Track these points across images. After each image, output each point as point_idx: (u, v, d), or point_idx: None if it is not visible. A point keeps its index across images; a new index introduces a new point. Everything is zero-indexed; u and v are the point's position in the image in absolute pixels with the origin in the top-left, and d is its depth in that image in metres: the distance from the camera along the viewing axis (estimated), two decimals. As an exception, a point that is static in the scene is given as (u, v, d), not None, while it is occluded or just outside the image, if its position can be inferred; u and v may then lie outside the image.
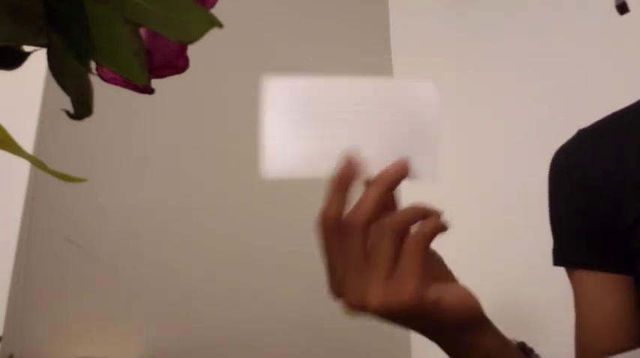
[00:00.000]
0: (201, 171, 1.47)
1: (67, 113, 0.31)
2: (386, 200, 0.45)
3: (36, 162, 0.35)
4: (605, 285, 0.70)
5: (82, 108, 0.30)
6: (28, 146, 1.19)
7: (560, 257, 0.75)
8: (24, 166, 1.16)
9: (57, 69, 0.29)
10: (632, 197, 0.68)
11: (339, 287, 0.46)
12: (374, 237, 0.44)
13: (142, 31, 0.30)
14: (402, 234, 0.44)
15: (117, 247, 1.31)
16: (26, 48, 0.31)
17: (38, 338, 1.20)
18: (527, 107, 1.52)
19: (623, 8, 0.75)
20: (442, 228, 0.45)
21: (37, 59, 0.31)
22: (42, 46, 0.29)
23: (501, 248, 1.47)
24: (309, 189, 1.78)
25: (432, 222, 0.45)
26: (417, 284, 0.43)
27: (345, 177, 0.44)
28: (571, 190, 0.74)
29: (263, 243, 1.48)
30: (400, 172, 0.44)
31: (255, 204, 1.51)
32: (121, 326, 1.29)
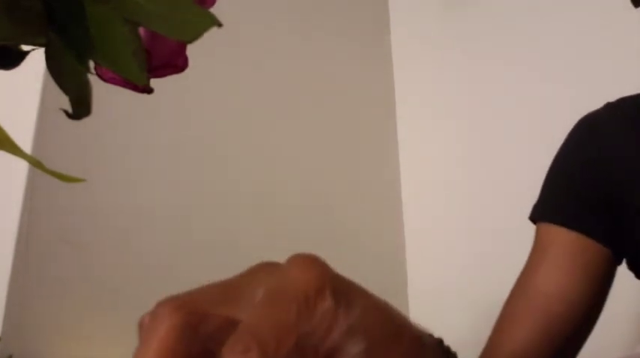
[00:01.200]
0: (202, 172, 1.47)
1: (66, 113, 0.30)
2: None
3: (34, 162, 0.34)
4: (582, 247, 0.70)
5: (80, 107, 0.30)
6: (26, 146, 1.19)
7: (545, 210, 0.75)
8: (22, 166, 1.16)
9: (55, 68, 0.29)
10: None
11: None
12: None
13: (141, 31, 0.30)
14: None
15: (116, 247, 1.31)
16: (24, 47, 0.31)
17: (38, 338, 1.19)
18: (528, 104, 1.52)
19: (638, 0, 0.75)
20: None
21: (36, 58, 0.31)
22: (40, 45, 0.29)
23: (499, 246, 1.47)
24: (310, 190, 1.78)
25: None
26: None
27: None
28: (588, 157, 0.73)
29: (264, 244, 1.48)
30: None
31: (256, 204, 1.51)
32: (121, 326, 1.29)
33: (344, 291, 0.29)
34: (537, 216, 0.76)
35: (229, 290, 0.28)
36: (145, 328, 0.27)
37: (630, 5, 0.74)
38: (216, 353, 0.26)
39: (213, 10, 0.30)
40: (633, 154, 0.70)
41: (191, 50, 0.34)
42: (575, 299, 0.68)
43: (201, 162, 1.48)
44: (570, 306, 0.68)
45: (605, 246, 0.70)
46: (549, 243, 0.72)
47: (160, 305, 0.28)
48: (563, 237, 0.71)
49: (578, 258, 0.69)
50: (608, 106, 0.75)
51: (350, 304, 0.29)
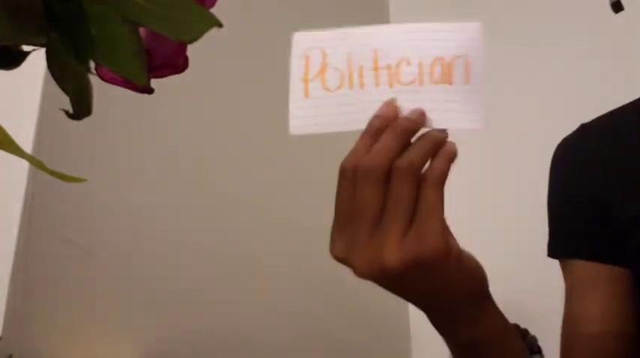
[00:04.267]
0: (201, 171, 1.47)
1: (66, 113, 0.30)
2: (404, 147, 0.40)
3: (35, 162, 0.34)
4: (601, 276, 0.69)
5: (81, 108, 0.30)
6: (27, 146, 1.19)
7: (556, 248, 0.75)
8: (23, 166, 1.16)
9: (56, 68, 0.29)
10: (631, 194, 0.68)
11: (346, 246, 0.40)
12: (392, 186, 0.40)
13: (142, 31, 0.30)
14: (418, 176, 0.40)
15: (116, 247, 1.31)
16: (25, 47, 0.31)
17: (38, 338, 1.19)
18: (528, 106, 1.52)
19: (617, 6, 0.75)
20: (454, 155, 0.41)
21: (36, 58, 0.31)
22: (41, 45, 0.29)
23: (501, 241, 1.47)
24: (311, 189, 1.78)
25: (444, 155, 0.41)
26: (442, 231, 0.39)
27: (378, 123, 0.40)
28: (571, 182, 0.74)
29: (263, 243, 1.48)
30: (419, 121, 0.41)
31: (255, 204, 1.51)
32: (121, 326, 1.29)
33: None
34: (553, 253, 0.75)
35: None
36: None
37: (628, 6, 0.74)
38: None
39: (213, 10, 0.30)
40: (611, 171, 0.70)
41: (191, 50, 0.34)
42: (621, 329, 0.67)
43: (201, 163, 1.48)
44: (620, 338, 0.67)
45: (626, 268, 0.68)
46: (574, 280, 0.71)
47: None
48: (585, 271, 0.70)
49: (607, 288, 0.68)
50: (583, 128, 0.76)
51: None
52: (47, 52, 0.29)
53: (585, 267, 0.70)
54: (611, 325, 0.68)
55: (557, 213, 0.75)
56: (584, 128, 0.76)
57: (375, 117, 0.40)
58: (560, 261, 0.74)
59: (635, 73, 1.27)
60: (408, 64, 0.42)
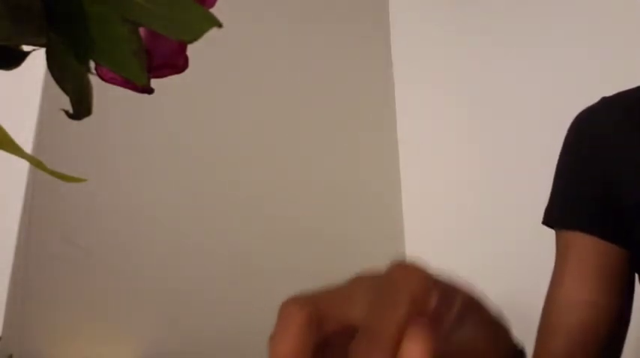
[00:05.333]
0: (201, 171, 1.47)
1: (66, 113, 0.30)
2: None
3: (35, 162, 0.34)
4: (599, 251, 0.69)
5: (81, 108, 0.30)
6: (27, 146, 1.19)
7: (558, 217, 0.74)
8: (23, 166, 1.16)
9: (56, 68, 0.29)
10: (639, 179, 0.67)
11: None
12: None
13: (142, 31, 0.30)
14: None
15: (117, 247, 1.31)
16: (25, 47, 0.31)
17: (37, 338, 1.19)
18: (527, 101, 1.52)
19: None
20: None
21: (36, 59, 0.31)
22: (41, 45, 0.29)
23: (501, 241, 1.47)
24: (311, 190, 1.77)
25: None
26: None
27: None
28: (584, 155, 0.73)
29: (263, 245, 1.48)
30: None
31: (255, 204, 1.51)
32: (121, 326, 1.29)
33: (446, 292, 0.31)
34: (550, 221, 0.74)
35: (343, 293, 0.30)
36: (276, 327, 0.30)
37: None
38: (336, 347, 0.29)
39: (213, 10, 0.30)
40: (627, 151, 0.69)
41: (191, 50, 0.34)
42: (604, 304, 0.67)
43: (201, 163, 1.48)
44: (601, 312, 0.67)
45: (622, 247, 0.68)
46: (568, 250, 0.70)
47: (286, 305, 0.30)
48: (580, 242, 0.69)
49: (598, 262, 0.68)
50: (604, 101, 0.75)
51: (451, 304, 0.31)
52: (47, 52, 0.29)
53: (583, 239, 0.69)
54: (600, 299, 0.67)
55: (564, 183, 0.74)
56: (604, 102, 0.74)
57: None
58: (556, 231, 0.73)
59: (636, 72, 1.27)
60: None
